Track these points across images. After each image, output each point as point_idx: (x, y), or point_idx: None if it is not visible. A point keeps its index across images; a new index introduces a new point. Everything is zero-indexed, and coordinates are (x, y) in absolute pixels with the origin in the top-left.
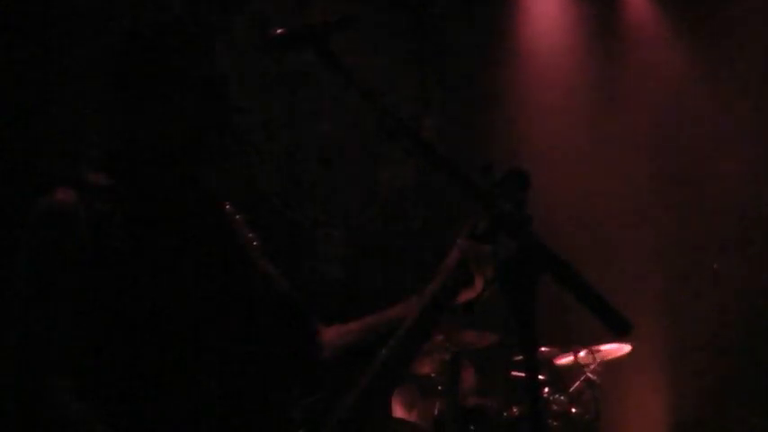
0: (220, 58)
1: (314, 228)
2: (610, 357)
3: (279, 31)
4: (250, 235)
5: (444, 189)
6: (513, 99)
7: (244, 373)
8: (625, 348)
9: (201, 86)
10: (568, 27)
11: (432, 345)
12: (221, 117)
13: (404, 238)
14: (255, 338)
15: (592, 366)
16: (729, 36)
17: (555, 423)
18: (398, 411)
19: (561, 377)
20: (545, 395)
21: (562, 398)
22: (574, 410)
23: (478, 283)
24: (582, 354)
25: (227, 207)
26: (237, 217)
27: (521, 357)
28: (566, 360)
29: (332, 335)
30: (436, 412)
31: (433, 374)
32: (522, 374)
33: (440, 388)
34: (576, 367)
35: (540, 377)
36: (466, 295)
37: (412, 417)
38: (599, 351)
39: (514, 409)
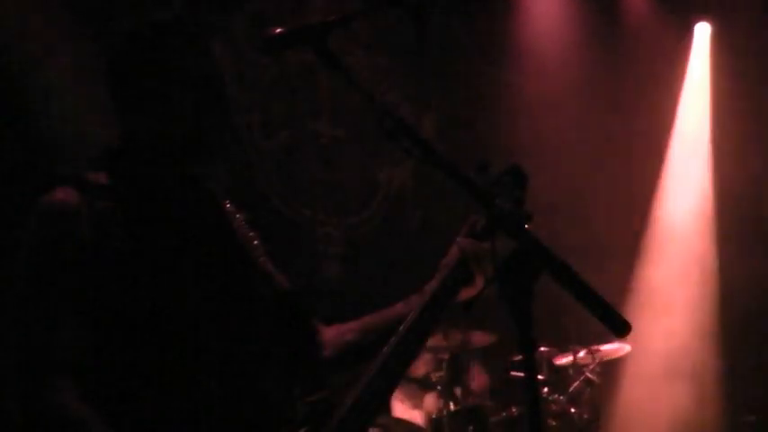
0: (220, 57)
1: (314, 228)
2: (609, 357)
3: (278, 30)
4: (250, 234)
5: (443, 189)
6: (513, 99)
7: (244, 373)
8: (624, 348)
9: (201, 86)
10: (568, 27)
11: (431, 344)
12: (221, 117)
13: (403, 238)
14: (255, 338)
15: (591, 366)
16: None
17: (554, 423)
18: (398, 411)
19: (560, 377)
20: (544, 395)
21: (561, 398)
22: (573, 410)
23: (478, 282)
24: (581, 354)
25: (228, 206)
26: (238, 216)
27: (520, 357)
28: (565, 360)
29: (332, 334)
30: (435, 412)
31: (432, 374)
32: (521, 374)
33: (439, 388)
34: (576, 367)
35: (540, 377)
36: (466, 293)
37: (412, 417)
38: (598, 351)
39: (513, 409)
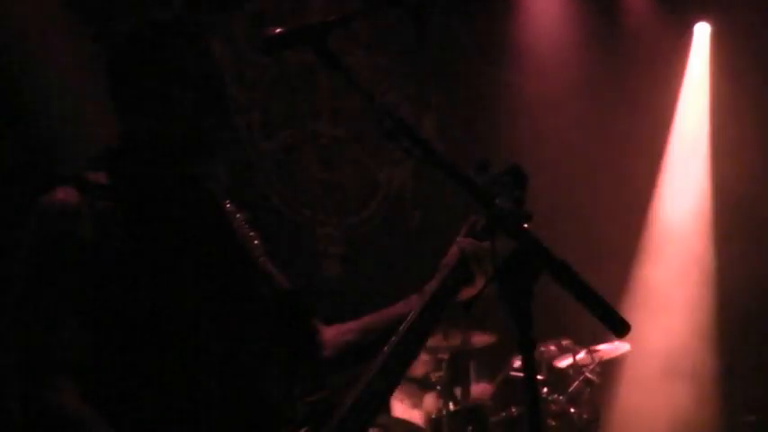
0: (220, 57)
1: (314, 228)
2: (608, 357)
3: (278, 30)
4: (251, 234)
5: (443, 189)
6: (513, 99)
7: (244, 373)
8: (623, 348)
9: (201, 86)
10: (568, 27)
11: (431, 344)
12: (221, 117)
13: (403, 238)
14: (255, 338)
15: (590, 366)
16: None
17: (554, 423)
18: (398, 411)
19: (560, 377)
20: (544, 395)
21: (561, 398)
22: (572, 410)
23: (479, 282)
24: (580, 354)
25: (228, 206)
26: (238, 216)
27: (519, 357)
28: (564, 360)
29: (332, 334)
30: (435, 412)
31: (432, 374)
32: (521, 374)
33: (439, 388)
34: (575, 367)
35: (539, 377)
36: (466, 293)
37: (411, 417)
38: (597, 351)
39: (513, 409)
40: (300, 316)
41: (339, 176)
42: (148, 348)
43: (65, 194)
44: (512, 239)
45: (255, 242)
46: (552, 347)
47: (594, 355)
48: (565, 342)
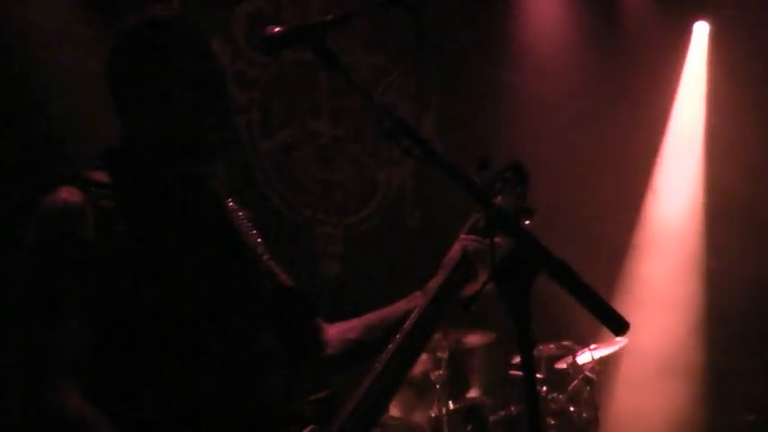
0: (220, 56)
1: (314, 227)
2: (607, 354)
3: (277, 29)
4: (254, 232)
5: (443, 188)
6: (513, 99)
7: (246, 373)
8: (621, 342)
9: (201, 86)
10: (567, 27)
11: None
12: (221, 117)
13: (402, 238)
14: (258, 337)
15: (590, 365)
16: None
17: (553, 422)
18: (398, 411)
19: (559, 376)
20: (543, 394)
21: (560, 396)
22: (572, 409)
23: (482, 279)
24: (580, 352)
25: (231, 204)
26: (240, 214)
27: (518, 356)
28: (564, 359)
29: (335, 332)
30: (435, 411)
31: (431, 373)
32: (520, 373)
33: (438, 387)
34: (574, 366)
35: (538, 376)
36: (470, 290)
37: (411, 416)
38: (596, 349)
39: (512, 408)
40: (303, 314)
41: (339, 176)
42: (150, 348)
43: (68, 194)
44: (512, 238)
45: (258, 240)
46: (552, 346)
47: (593, 352)
48: (564, 342)
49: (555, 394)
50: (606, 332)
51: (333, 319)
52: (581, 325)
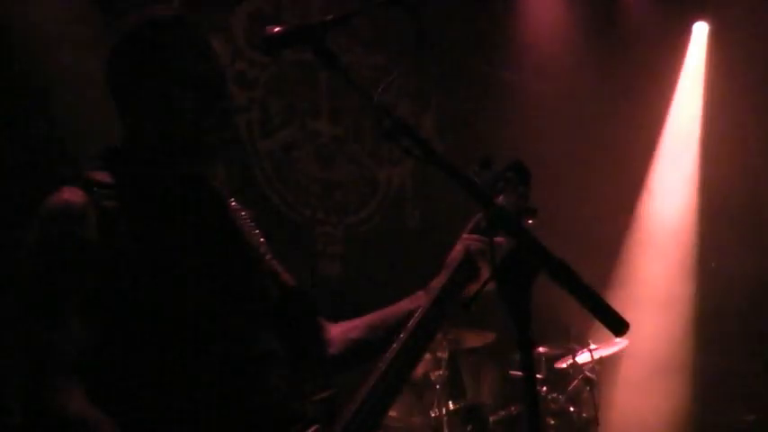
0: (220, 56)
1: (313, 227)
2: (607, 354)
3: (277, 29)
4: (256, 231)
5: (443, 188)
6: (513, 98)
7: (248, 372)
8: (622, 343)
9: (201, 86)
10: (568, 26)
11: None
12: (221, 116)
13: (402, 237)
14: (261, 336)
15: (589, 365)
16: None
17: (553, 422)
18: (398, 411)
19: (559, 376)
20: (543, 394)
21: (560, 396)
22: (572, 409)
23: (484, 277)
24: (579, 353)
25: (233, 204)
26: (243, 214)
27: (518, 356)
28: (564, 359)
29: (338, 332)
30: (435, 411)
31: (431, 373)
32: (520, 373)
33: (438, 387)
34: (574, 366)
35: (538, 376)
36: (473, 289)
37: (411, 416)
38: (596, 349)
39: (513, 408)
40: (306, 314)
41: (339, 176)
42: (151, 348)
43: (70, 194)
44: (511, 239)
45: (261, 240)
46: (551, 346)
47: (593, 353)
48: (564, 341)
49: (555, 394)
50: (606, 332)
51: (333, 319)
52: (581, 325)
